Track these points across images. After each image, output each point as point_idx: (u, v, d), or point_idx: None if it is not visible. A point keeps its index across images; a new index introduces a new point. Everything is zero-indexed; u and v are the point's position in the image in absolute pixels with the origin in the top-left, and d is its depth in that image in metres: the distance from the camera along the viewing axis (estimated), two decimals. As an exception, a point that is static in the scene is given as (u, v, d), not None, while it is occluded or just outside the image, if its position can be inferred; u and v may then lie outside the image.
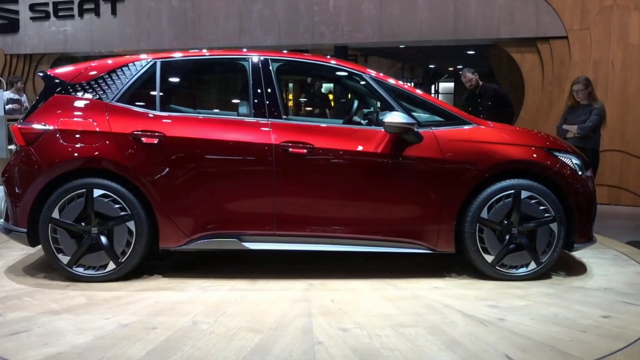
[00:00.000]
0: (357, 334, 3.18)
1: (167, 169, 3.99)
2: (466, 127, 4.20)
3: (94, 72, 4.18)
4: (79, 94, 4.13)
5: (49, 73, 4.24)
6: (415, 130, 4.03)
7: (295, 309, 3.57)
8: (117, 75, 4.17)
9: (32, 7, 10.90)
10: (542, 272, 4.16)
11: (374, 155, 4.05)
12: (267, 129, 4.04)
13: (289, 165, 4.02)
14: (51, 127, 4.01)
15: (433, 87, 25.69)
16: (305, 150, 4.01)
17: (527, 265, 4.15)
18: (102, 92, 4.12)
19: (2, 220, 4.26)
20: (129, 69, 4.19)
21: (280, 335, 3.15)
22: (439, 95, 26.55)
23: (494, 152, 4.10)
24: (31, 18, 10.96)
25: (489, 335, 3.17)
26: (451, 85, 25.78)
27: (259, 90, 4.15)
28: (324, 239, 4.09)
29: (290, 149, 4.00)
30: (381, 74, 4.33)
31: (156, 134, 4.00)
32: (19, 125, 4.09)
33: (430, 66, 21.94)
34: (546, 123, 7.97)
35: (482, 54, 11.49)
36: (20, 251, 4.75)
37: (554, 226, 4.11)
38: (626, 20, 7.80)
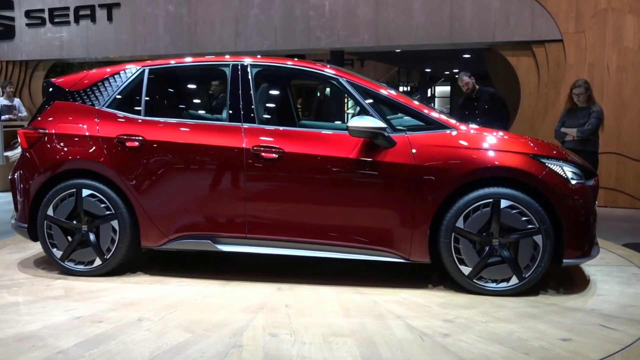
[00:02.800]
0: (283, 340, 3.15)
1: (146, 171, 4.19)
2: (445, 131, 4.01)
3: (90, 80, 4.47)
4: (76, 101, 4.45)
5: (51, 81, 4.60)
6: (386, 134, 3.91)
7: (244, 312, 3.59)
8: (110, 82, 4.43)
9: (27, 14, 11.02)
10: (525, 288, 3.86)
11: (345, 160, 3.97)
12: (240, 133, 4.11)
13: (260, 169, 4.05)
14: (48, 131, 4.36)
15: (429, 91, 25.33)
16: (275, 155, 4.02)
17: (508, 280, 3.87)
18: (95, 99, 4.41)
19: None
20: (120, 76, 4.44)
21: (208, 336, 3.20)
22: (436, 99, 26.10)
23: (471, 158, 3.87)
24: (27, 24, 11.06)
25: (418, 351, 3.01)
26: (447, 89, 25.14)
27: (234, 95, 4.22)
28: (295, 243, 4.08)
29: (262, 154, 4.03)
30: (357, 76, 4.24)
31: (138, 138, 4.20)
32: (23, 130, 4.48)
33: (427, 70, 21.36)
34: (542, 126, 7.77)
35: (478, 57, 11.09)
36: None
37: (538, 239, 3.81)
38: (621, 23, 7.66)
